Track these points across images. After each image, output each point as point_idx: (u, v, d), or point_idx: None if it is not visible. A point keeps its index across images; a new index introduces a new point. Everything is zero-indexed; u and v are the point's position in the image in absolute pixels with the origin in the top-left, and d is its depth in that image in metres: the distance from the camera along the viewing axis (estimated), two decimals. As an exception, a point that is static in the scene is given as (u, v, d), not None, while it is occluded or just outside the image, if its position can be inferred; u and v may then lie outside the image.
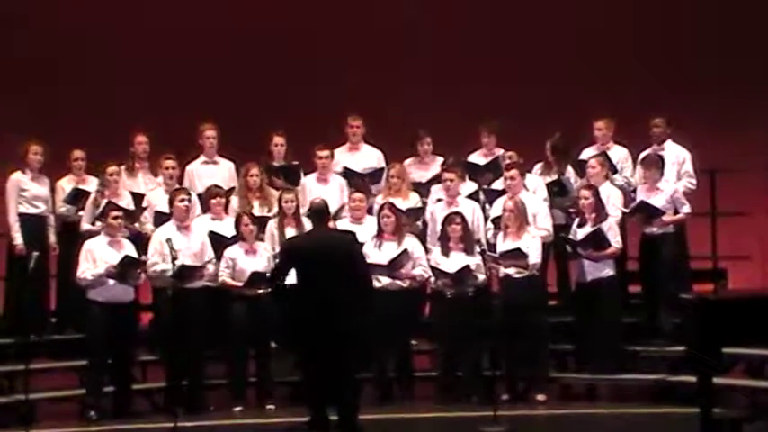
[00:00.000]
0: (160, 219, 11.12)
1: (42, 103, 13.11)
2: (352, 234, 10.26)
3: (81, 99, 13.23)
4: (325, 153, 11.74)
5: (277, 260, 10.71)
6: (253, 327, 10.85)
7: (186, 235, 10.80)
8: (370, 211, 11.43)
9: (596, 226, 10.83)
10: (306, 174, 11.81)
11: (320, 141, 11.80)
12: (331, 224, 10.83)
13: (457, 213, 11.02)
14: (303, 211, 11.22)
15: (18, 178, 11.23)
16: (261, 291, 10.76)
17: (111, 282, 10.49)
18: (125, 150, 11.72)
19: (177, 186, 11.29)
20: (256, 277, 10.73)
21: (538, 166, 11.66)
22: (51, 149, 11.40)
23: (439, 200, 11.51)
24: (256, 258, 10.91)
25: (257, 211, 11.34)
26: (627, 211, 11.12)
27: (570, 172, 11.60)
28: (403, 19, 13.89)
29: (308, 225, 10.95)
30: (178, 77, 13.47)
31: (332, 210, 10.87)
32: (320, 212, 9.62)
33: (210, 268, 10.85)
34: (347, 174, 11.83)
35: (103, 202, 11.00)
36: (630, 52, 13.56)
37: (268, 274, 10.61)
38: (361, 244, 10.59)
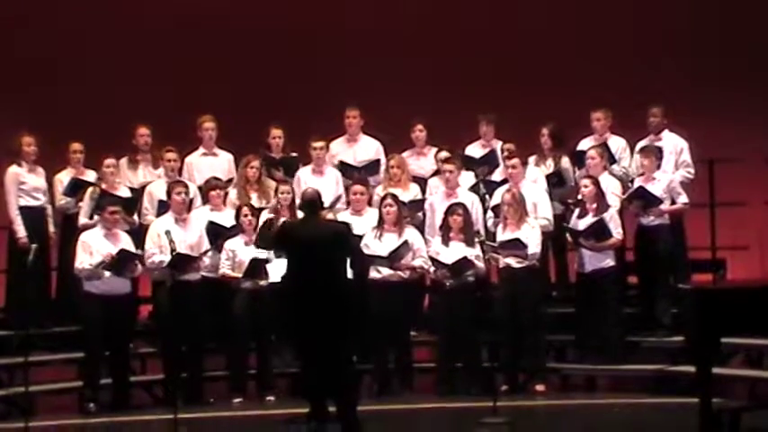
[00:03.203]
0: (163, 209, 11.10)
1: (42, 101, 13.08)
2: (346, 224, 9.95)
3: (81, 96, 13.19)
4: (320, 144, 11.70)
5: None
6: (253, 319, 10.86)
7: (184, 227, 10.79)
8: (369, 203, 11.43)
9: (598, 216, 10.82)
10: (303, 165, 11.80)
11: (320, 135, 11.78)
12: (330, 215, 10.86)
13: (459, 204, 11.00)
14: (299, 203, 11.24)
15: (16, 171, 11.18)
16: (262, 283, 10.75)
17: (108, 274, 10.49)
18: (124, 146, 11.72)
19: (175, 179, 11.26)
20: (255, 264, 10.69)
21: (532, 158, 11.63)
22: (50, 144, 11.39)
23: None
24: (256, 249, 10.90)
25: (255, 203, 11.32)
26: (624, 197, 11.09)
27: (566, 163, 11.58)
28: (403, 18, 13.89)
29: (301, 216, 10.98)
30: (178, 75, 13.45)
31: (328, 201, 10.89)
32: (312, 202, 9.35)
33: (206, 260, 10.85)
34: (343, 167, 11.81)
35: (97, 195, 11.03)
36: (630, 43, 13.53)
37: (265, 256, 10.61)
38: (360, 236, 10.59)
